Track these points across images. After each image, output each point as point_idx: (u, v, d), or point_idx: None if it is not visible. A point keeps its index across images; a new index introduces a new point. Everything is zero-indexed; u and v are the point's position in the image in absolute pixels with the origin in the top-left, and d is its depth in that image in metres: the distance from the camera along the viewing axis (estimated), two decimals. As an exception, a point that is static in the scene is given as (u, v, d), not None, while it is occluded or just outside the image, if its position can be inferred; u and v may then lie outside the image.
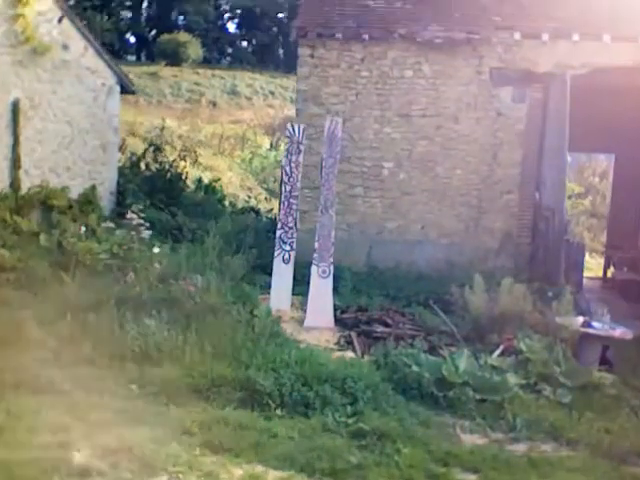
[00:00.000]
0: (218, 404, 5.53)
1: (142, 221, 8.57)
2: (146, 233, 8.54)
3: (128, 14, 47.04)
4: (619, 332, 7.75)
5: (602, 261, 16.94)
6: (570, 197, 20.08)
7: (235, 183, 22.13)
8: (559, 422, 6.06)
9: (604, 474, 5.16)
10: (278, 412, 5.53)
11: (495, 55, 11.22)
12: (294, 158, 8.75)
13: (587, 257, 14.93)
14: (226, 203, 16.75)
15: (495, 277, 9.08)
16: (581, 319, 8.04)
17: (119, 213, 11.69)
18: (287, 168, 8.76)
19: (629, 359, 7.73)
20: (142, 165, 13.16)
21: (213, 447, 4.77)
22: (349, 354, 7.48)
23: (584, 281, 12.15)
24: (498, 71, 11.19)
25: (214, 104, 32.17)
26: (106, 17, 42.55)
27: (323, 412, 5.60)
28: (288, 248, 8.78)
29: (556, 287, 9.07)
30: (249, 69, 36.39)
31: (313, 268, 8.51)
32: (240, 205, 17.03)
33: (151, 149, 13.19)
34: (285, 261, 8.76)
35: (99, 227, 9.45)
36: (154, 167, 13.17)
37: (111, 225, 8.72)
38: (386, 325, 8.26)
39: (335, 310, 8.77)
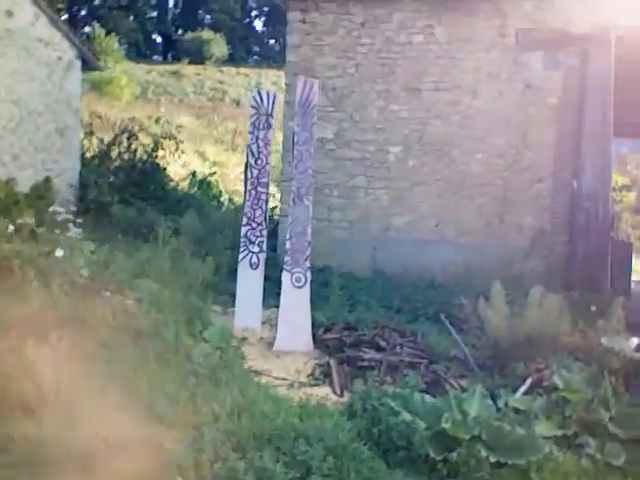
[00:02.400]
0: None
1: (70, 217, 6.85)
2: (74, 231, 6.83)
3: (154, 13, 46.85)
4: (688, 359, 5.79)
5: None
6: (614, 189, 17.90)
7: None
8: (611, 500, 4.15)
9: None
10: (187, 496, 3.72)
11: (522, 13, 9.33)
12: (262, 134, 6.94)
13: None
14: (224, 200, 15.04)
15: (523, 285, 7.16)
16: (636, 341, 6.08)
17: (83, 210, 10.05)
18: (253, 147, 6.95)
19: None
20: (114, 155, 11.54)
21: None
22: (324, 391, 5.65)
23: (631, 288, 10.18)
24: (525, 33, 9.23)
25: (237, 102, 31.54)
26: (132, 17, 42.13)
27: (256, 494, 3.78)
28: (256, 249, 6.98)
29: (601, 297, 7.07)
30: (275, 67, 35.44)
31: (284, 275, 6.69)
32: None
33: (124, 136, 11.57)
34: (253, 266, 6.97)
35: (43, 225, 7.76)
36: (127, 157, 11.54)
37: (30, 221, 7.02)
38: (379, 349, 6.40)
39: (319, 328, 6.94)
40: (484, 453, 4.50)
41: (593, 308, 6.68)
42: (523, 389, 5.53)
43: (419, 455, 4.46)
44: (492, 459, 4.46)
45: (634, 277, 11.27)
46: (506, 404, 5.26)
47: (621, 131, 9.87)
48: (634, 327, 6.66)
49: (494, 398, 5.29)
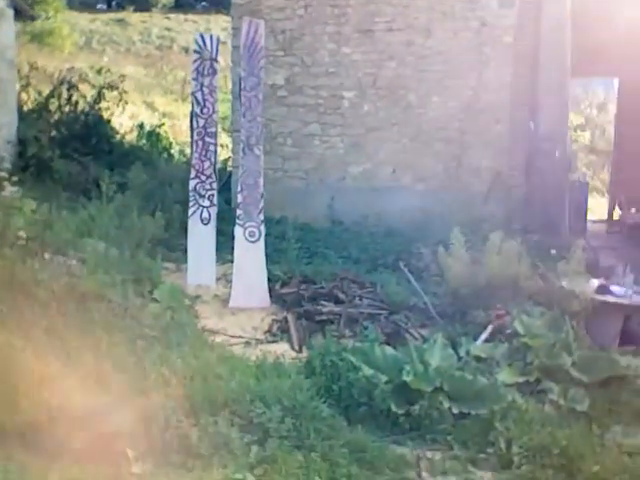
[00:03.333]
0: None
1: (5, 174, 6.40)
2: (10, 190, 6.40)
3: (95, -41, 44.71)
4: (648, 299, 5.76)
5: (603, 201, 15.03)
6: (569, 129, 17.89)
7: (195, 131, 20.10)
8: (575, 446, 4.07)
9: None
10: (136, 468, 3.50)
11: (476, -53, 8.92)
12: (207, 81, 6.53)
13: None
14: (174, 152, 14.50)
15: (482, 230, 7.03)
16: (596, 283, 6.03)
17: (22, 167, 9.50)
18: (198, 95, 6.55)
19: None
20: (53, 108, 10.91)
21: None
22: (282, 347, 5.46)
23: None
24: (480, -32, 8.90)
25: (186, 50, 30.45)
26: (71, -37, 40.13)
27: (211, 461, 3.58)
28: (207, 203, 6.66)
29: (560, 240, 7.00)
30: (224, 12, 34.29)
31: (237, 230, 6.40)
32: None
33: (63, 88, 10.94)
34: (204, 221, 6.66)
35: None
36: (67, 109, 10.93)
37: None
38: (338, 301, 6.22)
39: (275, 282, 6.72)
40: (447, 404, 4.40)
41: (553, 251, 6.59)
42: (484, 336, 5.44)
43: (381, 410, 4.33)
44: (455, 410, 4.37)
45: (589, 217, 11.30)
46: (467, 352, 5.16)
47: (579, 70, 9.67)
48: (593, 268, 6.63)
49: (455, 347, 5.18)
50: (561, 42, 8.58)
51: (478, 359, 5.12)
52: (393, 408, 4.30)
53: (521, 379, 4.89)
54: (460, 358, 5.06)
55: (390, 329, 5.74)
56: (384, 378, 4.56)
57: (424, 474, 3.86)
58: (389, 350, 4.91)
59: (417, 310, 6.16)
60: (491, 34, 9.06)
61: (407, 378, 4.44)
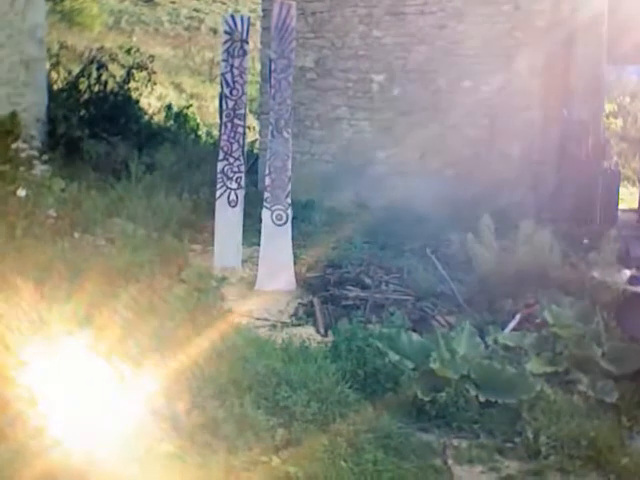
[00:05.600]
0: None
1: (35, 153, 6.44)
2: (40, 168, 6.43)
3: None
4: (681, 291, 5.63)
5: (634, 190, 14.76)
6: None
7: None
8: (603, 438, 4.01)
9: None
10: (161, 447, 3.52)
11: None
12: (237, 62, 6.49)
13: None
14: (202, 134, 14.52)
15: (511, 217, 6.93)
16: (628, 273, 5.90)
17: (52, 146, 9.57)
18: (227, 76, 6.51)
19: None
20: (83, 88, 10.97)
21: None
22: (308, 331, 5.45)
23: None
24: (516, -49, 8.70)
25: (214, 31, 30.45)
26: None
27: (236, 443, 3.59)
28: (234, 186, 6.64)
29: (592, 229, 6.87)
30: (253, -6, 34.19)
31: (265, 213, 6.38)
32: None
33: (93, 67, 10.98)
34: (231, 203, 6.64)
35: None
36: (97, 89, 10.97)
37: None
38: (364, 287, 6.18)
39: (301, 266, 6.71)
40: (473, 393, 4.35)
41: (585, 241, 6.48)
42: (512, 325, 5.38)
43: (407, 397, 4.30)
44: (482, 399, 4.32)
45: (620, 206, 11.11)
46: (495, 341, 5.09)
47: (613, 57, 9.46)
48: (625, 259, 6.50)
49: (483, 335, 5.13)
50: (598, 28, 8.38)
51: (506, 348, 5.06)
52: (419, 395, 4.26)
53: (550, 369, 4.81)
54: (488, 346, 5.01)
55: (417, 315, 5.69)
56: (410, 365, 4.54)
57: (450, 462, 3.83)
58: (416, 337, 4.87)
59: (444, 297, 6.09)
60: (524, 18, 8.88)
61: (434, 365, 4.40)
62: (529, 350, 5.02)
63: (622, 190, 15.14)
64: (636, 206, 12.51)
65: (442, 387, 4.34)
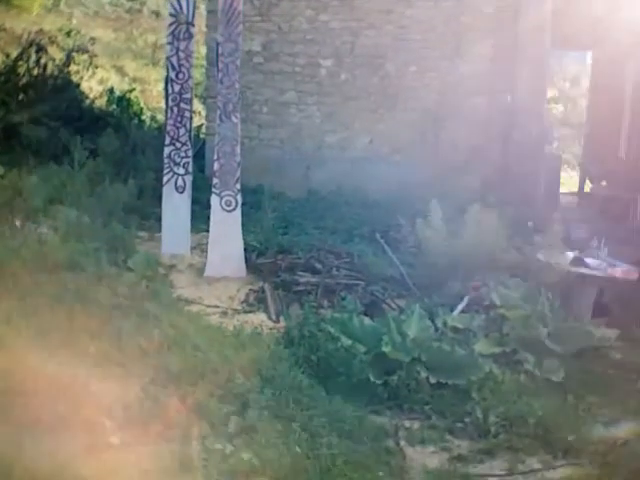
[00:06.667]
0: None
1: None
2: (-23, 155, 6.20)
3: None
4: (621, 271, 5.83)
5: (574, 174, 15.20)
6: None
7: (166, 96, 19.76)
8: (550, 416, 4.13)
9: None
10: (114, 439, 3.45)
11: None
12: (183, 45, 6.36)
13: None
14: (146, 118, 14.20)
15: (459, 201, 7.02)
16: (571, 255, 6.07)
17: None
18: (173, 60, 6.37)
19: (631, 306, 5.83)
20: (22, 71, 10.57)
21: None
22: (259, 318, 5.42)
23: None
24: None
25: (157, 14, 29.71)
26: None
27: (190, 432, 3.54)
28: (182, 171, 6.53)
29: (536, 212, 7.03)
30: (196, -25, 33.47)
31: (214, 199, 6.29)
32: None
33: (32, 50, 10.59)
34: (179, 189, 6.53)
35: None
36: (36, 73, 10.60)
37: None
38: (314, 272, 6.18)
39: (251, 252, 6.65)
40: (424, 374, 4.42)
41: (530, 224, 6.62)
42: (461, 307, 5.47)
43: (359, 380, 4.32)
44: (432, 380, 4.39)
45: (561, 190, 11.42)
46: (445, 323, 5.17)
47: (554, 43, 9.63)
48: (568, 241, 6.68)
49: (432, 318, 5.19)
50: (540, 14, 8.53)
51: (455, 330, 5.14)
52: (371, 378, 4.30)
53: (497, 350, 4.93)
54: (437, 329, 5.08)
55: (368, 300, 5.72)
56: (362, 348, 4.57)
57: (402, 443, 3.88)
58: (367, 321, 4.91)
59: (394, 281, 6.15)
60: (471, 4, 8.97)
61: (385, 349, 4.44)
62: (477, 332, 5.12)
63: (563, 174, 15.60)
64: (576, 190, 12.89)
65: (394, 370, 4.39)
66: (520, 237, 6.39)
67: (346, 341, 4.56)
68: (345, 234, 7.81)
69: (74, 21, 21.71)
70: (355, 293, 5.78)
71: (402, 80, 9.25)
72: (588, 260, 5.96)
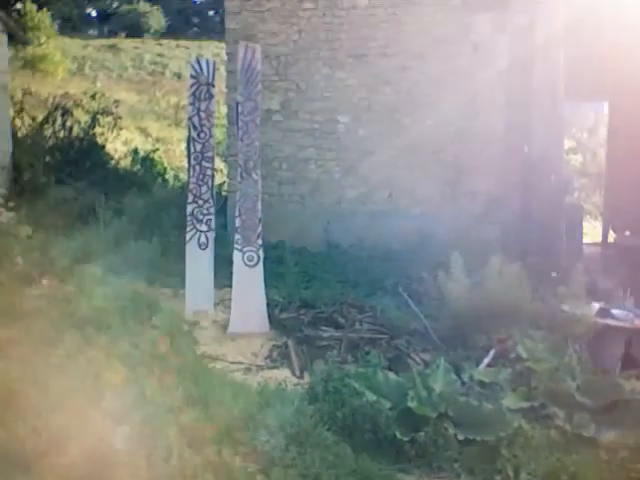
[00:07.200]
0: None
1: (1, 200, 6.35)
2: (6, 216, 6.34)
3: (87, -14, 45.02)
4: (649, 321, 5.74)
5: (596, 224, 15.11)
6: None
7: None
8: (583, 472, 4.02)
9: None
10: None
11: (467, -26, 9.02)
12: (203, 105, 6.53)
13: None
14: (169, 177, 14.49)
15: (480, 253, 6.99)
16: (596, 306, 6.00)
17: (17, 193, 9.45)
18: (195, 120, 6.54)
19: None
20: (48, 134, 10.89)
21: None
22: (283, 374, 5.40)
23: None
24: (472, -6, 8.99)
25: (178, 76, 30.68)
26: (64, -9, 40.42)
27: (215, 493, 3.50)
28: (204, 228, 6.61)
29: (559, 263, 6.99)
30: (216, 38, 34.58)
31: (236, 255, 6.36)
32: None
33: (58, 113, 10.93)
34: (202, 246, 6.61)
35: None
36: (62, 135, 10.91)
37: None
38: (338, 326, 6.17)
39: (274, 307, 6.66)
40: (452, 431, 4.34)
41: (554, 274, 6.57)
42: (487, 361, 5.40)
43: (386, 437, 4.26)
44: (460, 436, 4.30)
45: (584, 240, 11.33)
46: (471, 378, 5.11)
47: (570, 94, 9.74)
48: (593, 292, 6.60)
49: (458, 372, 5.13)
50: (554, 66, 8.65)
51: (482, 384, 5.07)
52: (398, 435, 4.23)
53: (526, 404, 4.83)
54: (463, 383, 5.01)
55: (392, 354, 5.68)
56: (388, 404, 4.51)
57: (432, 503, 3.80)
58: (392, 375, 4.85)
59: (418, 334, 6.10)
60: (484, 58, 9.13)
61: (411, 404, 4.37)
62: (505, 385, 5.04)
63: (585, 225, 15.52)
64: (599, 240, 12.80)
65: (420, 426, 4.31)
66: (544, 288, 6.33)
67: (371, 396, 4.51)
68: (367, 287, 7.80)
69: (98, 84, 22.48)
70: (379, 347, 5.74)
71: (419, 133, 9.35)
72: (614, 311, 5.89)
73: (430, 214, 9.21)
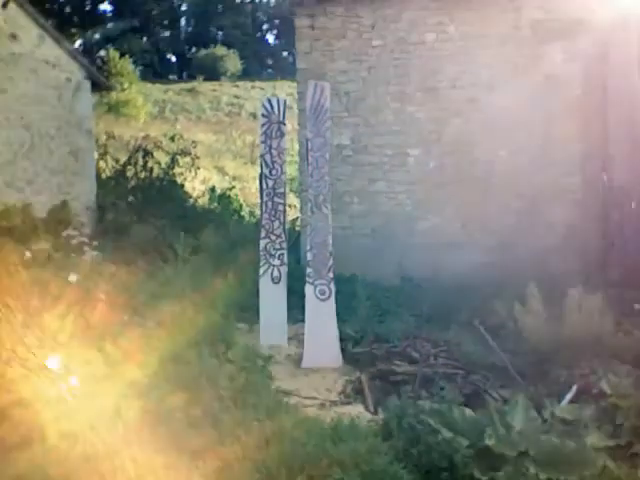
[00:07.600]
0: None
1: (85, 240, 6.67)
2: (90, 254, 6.64)
3: (167, 33, 47.31)
4: None
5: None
6: None
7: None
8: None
9: None
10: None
11: (536, 4, 8.94)
12: (275, 143, 6.70)
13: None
14: (245, 214, 14.84)
15: (558, 284, 6.80)
16: (685, 338, 5.71)
17: (101, 232, 9.89)
18: (267, 157, 6.71)
19: None
20: (130, 175, 11.40)
21: None
22: (357, 409, 5.36)
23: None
24: (541, 24, 8.90)
25: (254, 116, 31.61)
26: (145, 38, 42.57)
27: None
28: (277, 262, 6.73)
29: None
30: (289, 78, 35.59)
31: (308, 288, 6.42)
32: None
33: (139, 155, 11.43)
34: (274, 280, 6.71)
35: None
36: (143, 175, 11.39)
37: (46, 246, 6.84)
38: (412, 361, 6.10)
39: (347, 341, 6.66)
40: (533, 470, 4.17)
41: (637, 306, 6.31)
42: (569, 397, 5.20)
43: (463, 476, 4.15)
44: (542, 476, 4.13)
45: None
46: (552, 415, 4.92)
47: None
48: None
49: (538, 408, 4.96)
50: (629, 93, 8.42)
51: (564, 421, 4.87)
52: (476, 474, 4.11)
53: (611, 442, 4.61)
54: (545, 420, 4.84)
55: (468, 390, 5.56)
56: (465, 442, 4.39)
57: None
58: (468, 412, 4.75)
59: (495, 369, 5.94)
60: (556, 87, 8.98)
61: (489, 442, 4.25)
62: (588, 423, 4.83)
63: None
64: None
65: (500, 465, 4.18)
66: (627, 320, 6.07)
67: (447, 434, 4.41)
68: (441, 321, 7.68)
69: (178, 126, 23.38)
70: (454, 383, 5.63)
71: (492, 165, 9.26)
72: None
73: (505, 245, 9.03)
